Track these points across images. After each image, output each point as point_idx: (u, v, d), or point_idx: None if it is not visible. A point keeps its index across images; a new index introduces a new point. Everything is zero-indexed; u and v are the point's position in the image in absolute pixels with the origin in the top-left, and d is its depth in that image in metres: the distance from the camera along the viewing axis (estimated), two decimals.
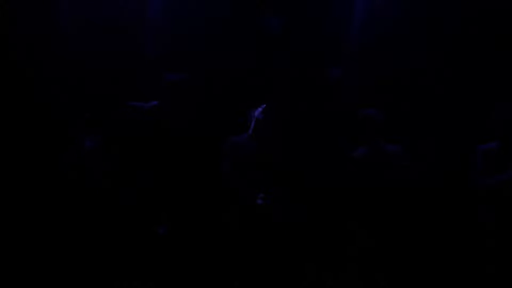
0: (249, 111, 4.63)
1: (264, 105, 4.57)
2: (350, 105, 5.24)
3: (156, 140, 4.68)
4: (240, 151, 4.51)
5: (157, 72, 5.05)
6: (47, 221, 4.41)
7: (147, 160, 4.77)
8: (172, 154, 4.89)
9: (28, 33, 5.04)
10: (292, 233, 4.46)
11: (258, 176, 4.43)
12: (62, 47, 5.14)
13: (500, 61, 5.18)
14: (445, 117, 5.20)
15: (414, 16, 5.35)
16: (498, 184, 4.26)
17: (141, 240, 4.56)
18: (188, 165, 4.93)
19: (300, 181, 4.61)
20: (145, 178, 4.70)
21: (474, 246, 4.38)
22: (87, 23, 5.18)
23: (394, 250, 4.45)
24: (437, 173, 4.89)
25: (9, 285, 4.18)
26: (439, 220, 4.74)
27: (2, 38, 4.99)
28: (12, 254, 4.31)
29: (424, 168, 4.75)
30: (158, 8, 5.33)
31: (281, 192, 4.43)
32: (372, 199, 4.50)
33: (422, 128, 5.17)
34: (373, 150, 4.61)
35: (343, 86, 5.46)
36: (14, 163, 4.71)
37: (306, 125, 5.25)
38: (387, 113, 4.68)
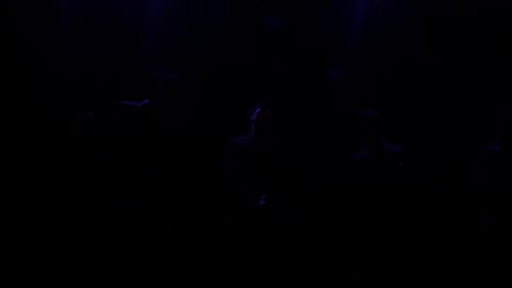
0: (249, 112, 4.62)
1: (263, 106, 4.56)
2: (351, 105, 5.24)
3: (153, 140, 4.67)
4: (241, 152, 4.50)
5: (157, 72, 5.05)
6: (47, 221, 4.40)
7: (147, 160, 4.77)
8: (171, 154, 4.89)
9: (28, 33, 5.03)
10: (293, 234, 4.45)
11: (259, 177, 4.42)
12: (62, 47, 5.13)
13: (500, 61, 5.19)
14: (445, 118, 5.19)
15: (415, 16, 5.35)
16: (498, 187, 4.25)
17: (140, 240, 4.57)
18: (188, 165, 4.93)
19: (301, 182, 4.60)
20: (145, 178, 4.70)
21: (474, 247, 4.38)
22: (87, 23, 5.18)
23: (395, 251, 4.44)
24: (438, 174, 4.88)
25: (8, 284, 4.17)
26: (440, 221, 4.73)
27: (2, 38, 4.99)
28: (11, 252, 4.31)
29: (424, 169, 4.73)
30: (158, 8, 5.33)
31: (281, 194, 4.43)
32: (373, 200, 4.49)
33: (423, 129, 5.16)
34: (374, 151, 4.60)
35: (344, 87, 5.45)
36: (13, 163, 4.70)
37: (306, 126, 5.24)
38: (388, 113, 4.67)
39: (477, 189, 4.34)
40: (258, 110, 4.54)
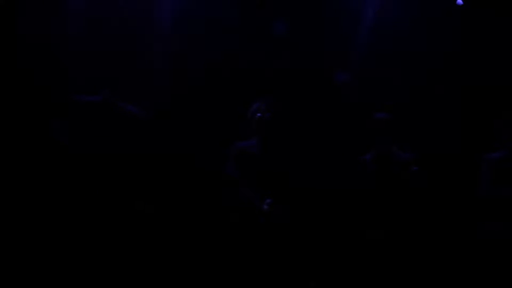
0: (251, 114, 4.62)
1: (265, 108, 4.55)
2: (355, 107, 5.25)
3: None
4: (244, 154, 4.49)
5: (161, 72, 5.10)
6: (44, 217, 4.40)
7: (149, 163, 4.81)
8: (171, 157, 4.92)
9: (29, 33, 5.04)
10: (292, 234, 4.46)
11: (261, 179, 4.42)
12: (63, 47, 5.13)
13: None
14: (452, 123, 5.19)
15: (417, 17, 5.35)
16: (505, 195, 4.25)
17: (141, 239, 4.59)
18: (189, 168, 4.96)
19: (302, 183, 4.60)
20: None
21: (477, 253, 4.38)
22: (89, 23, 5.18)
23: (397, 252, 4.45)
24: (443, 178, 4.88)
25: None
26: (443, 225, 4.74)
27: (3, 38, 4.99)
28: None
29: (431, 173, 4.70)
30: (159, 9, 5.33)
31: (282, 194, 4.43)
32: (378, 202, 4.49)
33: (428, 132, 5.16)
34: (382, 153, 4.58)
35: (347, 88, 5.45)
36: (13, 164, 4.71)
37: (309, 128, 5.25)
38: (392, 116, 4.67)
39: (485, 197, 4.33)
40: (259, 113, 4.54)
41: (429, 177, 4.53)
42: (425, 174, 4.47)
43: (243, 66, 5.37)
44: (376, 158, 4.57)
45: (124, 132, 4.54)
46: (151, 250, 4.66)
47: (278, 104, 4.55)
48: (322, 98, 5.38)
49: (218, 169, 4.54)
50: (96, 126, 4.48)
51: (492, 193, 4.30)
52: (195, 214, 4.91)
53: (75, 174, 4.41)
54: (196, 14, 5.33)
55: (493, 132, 4.50)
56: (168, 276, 4.54)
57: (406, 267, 4.41)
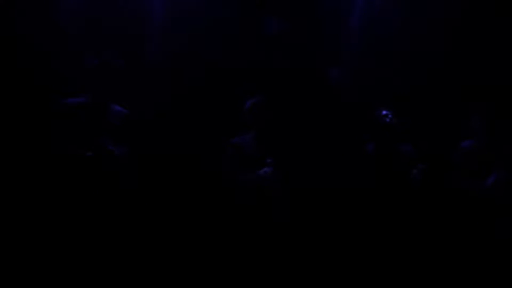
0: (247, 111, 4.62)
1: (260, 105, 4.56)
2: (350, 105, 5.25)
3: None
4: (240, 151, 4.50)
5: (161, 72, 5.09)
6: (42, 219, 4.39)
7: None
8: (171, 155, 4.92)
9: (29, 33, 5.04)
10: (291, 232, 4.46)
11: (258, 175, 4.42)
12: (63, 47, 5.13)
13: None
14: (451, 121, 5.19)
15: (414, 16, 5.35)
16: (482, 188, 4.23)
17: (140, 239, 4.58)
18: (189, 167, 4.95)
19: (301, 181, 4.60)
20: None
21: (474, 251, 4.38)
22: (88, 23, 5.18)
23: (399, 252, 4.44)
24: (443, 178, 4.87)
25: None
26: (443, 224, 4.74)
27: (3, 38, 4.99)
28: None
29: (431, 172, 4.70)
30: (159, 8, 5.33)
31: (280, 192, 4.43)
32: (379, 200, 4.49)
33: (428, 132, 5.16)
34: (383, 150, 4.58)
35: (343, 87, 5.45)
36: (14, 165, 4.70)
37: (304, 125, 5.25)
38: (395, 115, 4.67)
39: (455, 189, 4.32)
40: (255, 110, 4.55)
41: (429, 175, 4.53)
42: (426, 172, 4.47)
43: (243, 66, 5.37)
44: (377, 156, 4.57)
45: (118, 132, 4.53)
46: (151, 250, 4.65)
47: (276, 103, 4.57)
48: (321, 97, 5.38)
49: (217, 168, 4.56)
50: (89, 127, 4.46)
51: (464, 186, 4.27)
52: (194, 213, 4.91)
53: (74, 176, 4.40)
54: (195, 14, 5.34)
55: (465, 122, 4.50)
56: (167, 275, 4.54)
57: (408, 267, 4.40)
